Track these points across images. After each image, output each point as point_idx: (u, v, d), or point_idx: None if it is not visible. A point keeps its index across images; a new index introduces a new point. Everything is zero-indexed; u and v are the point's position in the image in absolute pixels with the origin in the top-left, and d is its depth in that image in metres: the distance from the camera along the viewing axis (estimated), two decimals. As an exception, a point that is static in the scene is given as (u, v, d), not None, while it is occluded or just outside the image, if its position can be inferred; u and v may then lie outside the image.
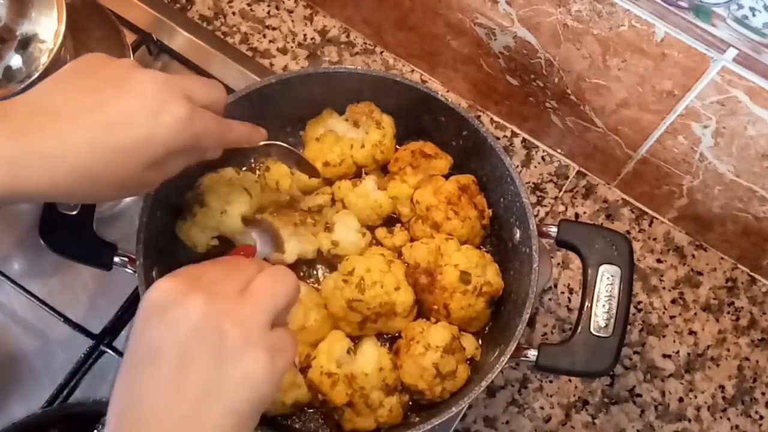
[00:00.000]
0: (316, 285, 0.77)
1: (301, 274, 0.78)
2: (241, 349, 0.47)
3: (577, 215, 0.93)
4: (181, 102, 0.56)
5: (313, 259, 0.77)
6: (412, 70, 0.98)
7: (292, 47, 0.99)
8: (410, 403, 0.73)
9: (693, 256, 0.92)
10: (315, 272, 0.78)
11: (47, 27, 0.69)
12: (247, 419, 0.47)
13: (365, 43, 0.99)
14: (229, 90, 0.89)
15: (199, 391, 0.46)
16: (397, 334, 0.74)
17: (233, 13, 1.00)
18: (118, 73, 0.56)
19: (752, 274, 0.91)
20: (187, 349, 0.47)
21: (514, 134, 0.96)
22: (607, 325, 0.67)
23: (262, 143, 0.67)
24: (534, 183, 0.94)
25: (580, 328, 0.67)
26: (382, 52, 0.99)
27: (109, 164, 0.54)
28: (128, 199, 0.86)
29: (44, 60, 0.69)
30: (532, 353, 0.67)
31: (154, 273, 0.71)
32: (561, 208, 0.93)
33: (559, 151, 0.95)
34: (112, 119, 0.54)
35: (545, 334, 0.88)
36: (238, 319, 0.48)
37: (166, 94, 0.55)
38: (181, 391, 0.46)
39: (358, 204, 0.76)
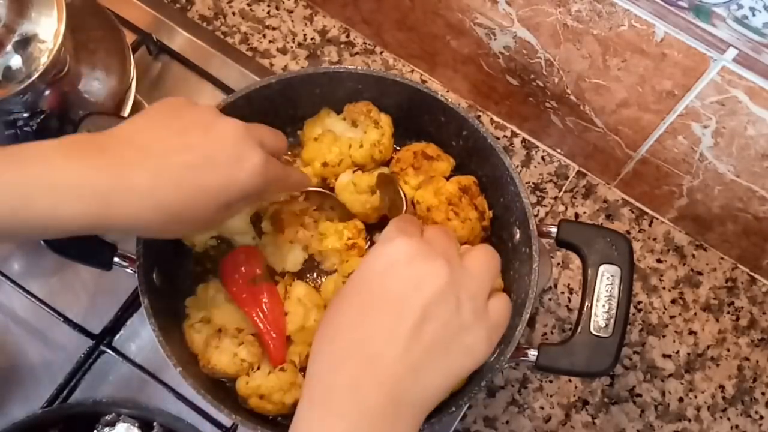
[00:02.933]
0: (317, 283, 0.77)
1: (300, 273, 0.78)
2: (470, 322, 0.52)
3: (577, 215, 0.93)
4: (258, 150, 0.59)
5: (312, 259, 0.77)
6: (412, 70, 0.98)
7: (292, 47, 0.99)
8: (410, 403, 0.73)
9: (693, 256, 0.92)
10: (314, 272, 0.78)
11: (47, 27, 0.69)
12: (455, 382, 0.52)
13: (365, 43, 0.99)
14: (228, 90, 0.90)
15: (429, 349, 0.50)
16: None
17: (233, 13, 1.00)
18: (204, 118, 0.60)
19: (752, 274, 0.91)
20: (429, 309, 0.50)
21: (514, 134, 0.96)
22: (607, 325, 0.67)
23: (309, 189, 0.74)
24: (534, 183, 0.94)
25: (580, 328, 0.67)
26: (382, 52, 0.99)
27: (191, 203, 0.57)
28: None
29: (44, 60, 0.69)
30: (532, 353, 0.67)
31: (154, 273, 0.71)
32: (561, 208, 0.93)
33: (559, 151, 0.95)
34: (199, 161, 0.57)
35: (545, 334, 0.88)
36: (471, 293, 0.52)
37: (245, 142, 0.59)
38: (413, 346, 0.50)
39: (351, 199, 0.76)
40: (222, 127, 0.59)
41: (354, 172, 0.76)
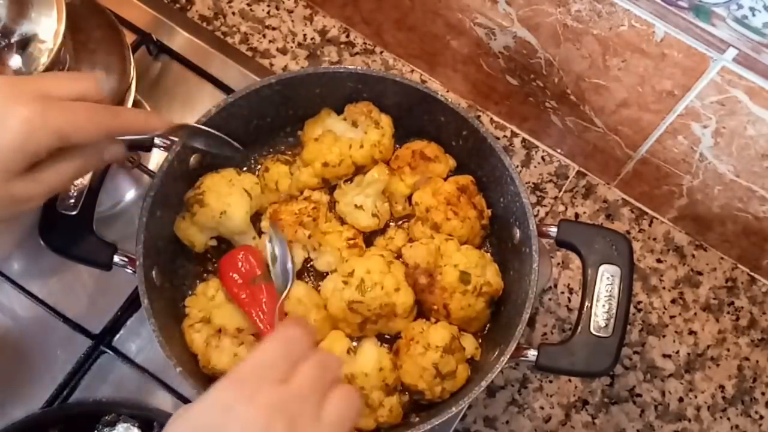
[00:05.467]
0: (317, 283, 0.77)
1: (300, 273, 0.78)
2: None
3: (577, 215, 0.93)
4: (28, 101, 0.53)
5: (311, 259, 0.77)
6: (412, 70, 0.98)
7: (292, 47, 0.99)
8: (410, 403, 0.73)
9: (693, 256, 0.92)
10: (314, 272, 0.78)
11: (47, 27, 0.69)
12: None
13: (365, 43, 0.99)
14: (228, 90, 0.90)
15: None
16: (397, 335, 0.74)
17: (233, 13, 1.00)
18: None
19: (752, 274, 0.91)
20: None
21: (513, 134, 0.96)
22: (607, 325, 0.67)
23: (170, 128, 0.64)
24: (534, 183, 0.94)
25: (580, 328, 0.67)
26: (382, 52, 0.99)
27: None
28: (128, 199, 0.86)
29: (44, 60, 0.68)
30: (532, 353, 0.67)
31: (154, 273, 0.71)
32: (561, 208, 0.93)
33: (559, 151, 0.95)
34: None
35: (545, 334, 0.88)
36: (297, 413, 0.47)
37: (9, 97, 0.53)
38: None
39: (352, 213, 0.76)
40: None
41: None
